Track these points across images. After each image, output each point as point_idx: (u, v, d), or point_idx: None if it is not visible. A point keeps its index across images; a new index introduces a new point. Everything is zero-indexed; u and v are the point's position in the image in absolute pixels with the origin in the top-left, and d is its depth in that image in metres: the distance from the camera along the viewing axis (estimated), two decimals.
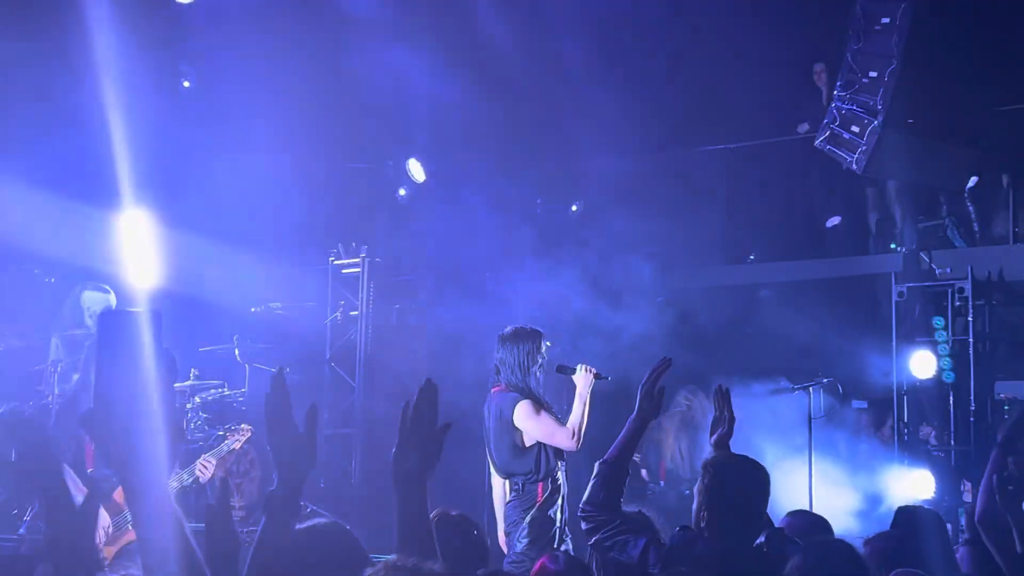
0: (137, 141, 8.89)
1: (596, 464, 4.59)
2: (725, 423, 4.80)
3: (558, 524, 6.84)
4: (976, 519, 4.69)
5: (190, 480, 7.62)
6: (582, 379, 6.86)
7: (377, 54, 10.82)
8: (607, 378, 6.97)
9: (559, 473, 6.90)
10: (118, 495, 6.73)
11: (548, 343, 7.00)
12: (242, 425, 8.52)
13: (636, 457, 10.30)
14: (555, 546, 6.74)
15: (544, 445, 6.83)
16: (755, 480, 4.34)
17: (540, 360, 6.98)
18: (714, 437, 4.81)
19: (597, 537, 4.42)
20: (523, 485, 6.86)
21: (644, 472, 9.67)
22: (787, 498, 4.56)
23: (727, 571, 4.05)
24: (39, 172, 9.11)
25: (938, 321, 10.51)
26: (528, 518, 6.79)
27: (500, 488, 7.10)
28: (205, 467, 7.71)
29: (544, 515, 6.81)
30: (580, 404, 6.79)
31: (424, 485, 2.74)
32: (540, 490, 6.84)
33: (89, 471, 6.67)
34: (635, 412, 4.58)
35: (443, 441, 2.80)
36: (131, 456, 2.07)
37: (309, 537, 3.47)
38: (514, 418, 6.80)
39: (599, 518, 4.42)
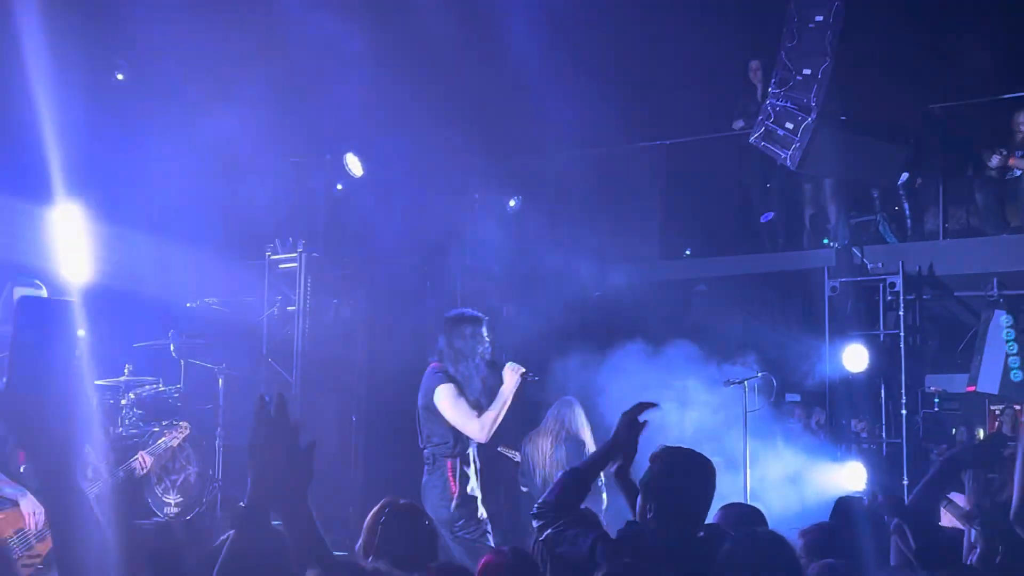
0: (69, 134, 8.77)
1: (562, 472, 4.67)
2: (627, 456, 4.82)
3: (479, 498, 7.10)
4: (907, 505, 4.79)
5: (123, 475, 7.54)
6: (508, 376, 7.04)
7: (315, 45, 10.76)
8: (535, 379, 7.13)
9: (470, 451, 7.13)
10: None
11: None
12: (180, 423, 8.43)
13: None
14: (479, 517, 7.01)
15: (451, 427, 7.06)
16: (701, 473, 4.38)
17: (479, 347, 7.12)
18: (614, 468, 4.85)
19: (548, 533, 4.46)
20: (434, 458, 7.09)
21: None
22: (723, 492, 4.62)
23: (671, 562, 4.09)
24: None
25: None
26: (453, 506, 6.98)
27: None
28: (143, 462, 7.66)
29: (465, 495, 7.01)
30: (500, 400, 7.00)
31: (301, 503, 2.65)
32: (449, 467, 7.03)
33: (22, 469, 6.57)
34: (611, 437, 4.67)
35: (311, 458, 2.70)
36: (42, 443, 2.07)
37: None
38: (434, 398, 7.04)
39: (548, 515, 4.46)
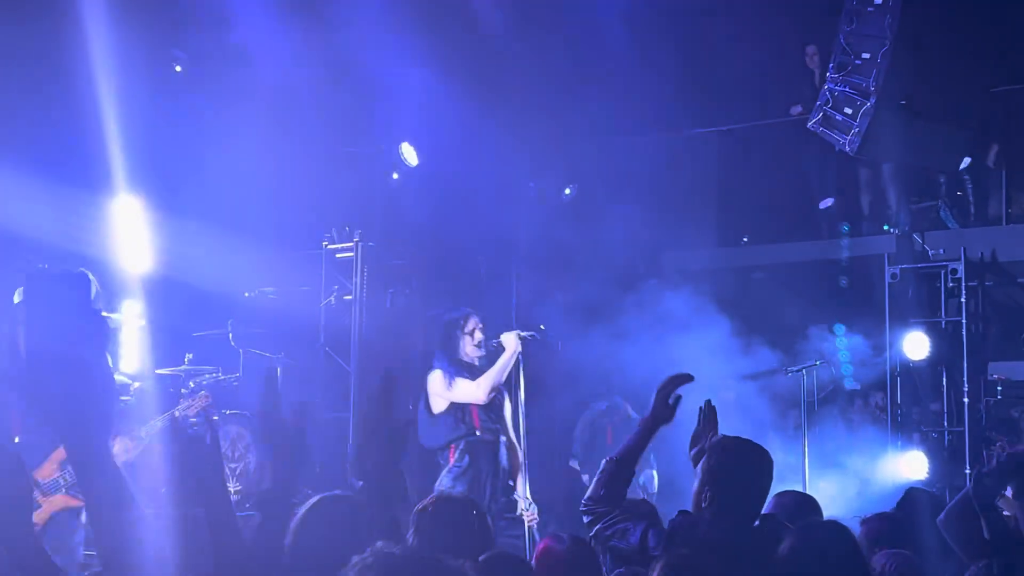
0: (130, 127, 8.87)
1: (603, 461, 4.62)
2: (705, 440, 4.78)
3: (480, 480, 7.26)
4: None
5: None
6: (508, 340, 7.34)
7: (370, 37, 10.79)
8: (534, 336, 7.46)
9: (474, 443, 7.29)
10: (50, 461, 6.87)
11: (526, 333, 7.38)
12: (200, 392, 8.28)
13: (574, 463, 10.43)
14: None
15: (464, 409, 7.30)
16: (760, 462, 4.35)
17: (455, 340, 7.41)
18: (692, 452, 4.80)
19: (597, 528, 4.44)
20: (439, 455, 7.42)
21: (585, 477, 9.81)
22: (781, 478, 4.60)
23: (728, 553, 4.05)
24: (32, 159, 9.07)
25: None
26: (437, 483, 7.26)
27: None
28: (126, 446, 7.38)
29: (452, 483, 7.19)
30: (499, 362, 7.32)
31: (394, 475, 2.71)
32: (452, 453, 7.31)
33: (16, 440, 6.74)
34: (648, 414, 4.62)
35: (406, 434, 2.77)
36: (69, 415, 2.07)
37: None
38: (427, 387, 7.37)
39: (598, 510, 4.44)
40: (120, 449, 7.31)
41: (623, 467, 4.55)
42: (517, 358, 7.37)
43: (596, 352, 9.41)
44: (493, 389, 7.29)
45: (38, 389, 2.08)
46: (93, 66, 8.73)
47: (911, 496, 5.35)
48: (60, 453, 6.87)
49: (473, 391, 7.27)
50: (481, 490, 7.16)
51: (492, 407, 7.34)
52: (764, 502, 4.41)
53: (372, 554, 2.18)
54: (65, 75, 9.05)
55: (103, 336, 2.13)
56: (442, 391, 7.31)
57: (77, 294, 2.12)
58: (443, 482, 7.23)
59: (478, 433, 7.29)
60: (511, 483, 7.48)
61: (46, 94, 9.25)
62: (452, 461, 7.27)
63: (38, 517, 6.82)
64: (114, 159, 8.86)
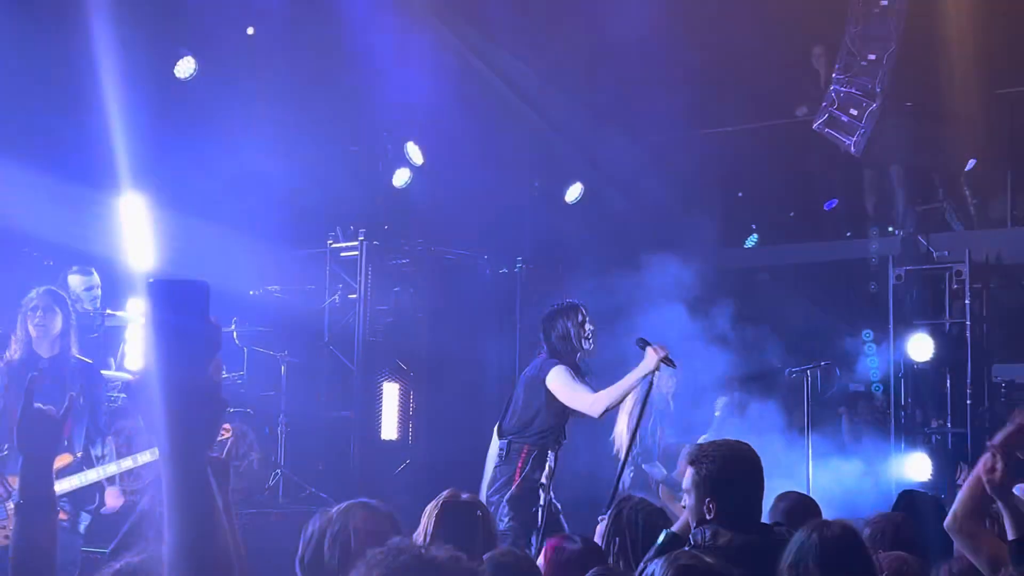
0: (135, 124, 8.88)
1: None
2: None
3: (541, 503, 6.89)
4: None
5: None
6: (650, 355, 6.61)
7: (375, 36, 10.81)
8: (674, 365, 6.69)
9: (548, 450, 6.97)
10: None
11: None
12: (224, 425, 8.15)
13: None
14: (537, 525, 6.82)
15: (547, 414, 6.91)
16: (753, 464, 4.35)
17: (583, 332, 7.04)
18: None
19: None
20: (509, 446, 6.97)
21: None
22: (784, 479, 4.59)
23: (741, 559, 4.00)
24: (38, 155, 9.10)
25: None
26: (509, 495, 6.86)
27: (495, 448, 7.16)
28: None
29: (524, 491, 6.87)
30: (629, 378, 6.68)
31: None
32: (524, 453, 6.91)
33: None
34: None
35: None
36: (166, 427, 2.07)
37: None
38: (547, 378, 6.89)
39: None
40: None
41: None
42: (650, 380, 6.63)
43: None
44: (612, 407, 6.81)
45: (153, 397, 2.07)
46: (99, 64, 8.74)
47: (906, 498, 5.36)
48: (58, 463, 6.37)
49: (589, 404, 6.78)
50: (534, 497, 6.91)
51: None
52: (761, 501, 4.40)
53: (388, 550, 2.16)
54: (71, 73, 9.07)
55: (216, 346, 2.13)
56: (563, 388, 6.83)
57: (198, 302, 2.10)
58: (499, 472, 6.92)
59: (558, 446, 6.99)
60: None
61: (52, 92, 9.27)
62: (521, 462, 6.91)
63: None
64: (119, 157, 8.88)
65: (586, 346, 7.05)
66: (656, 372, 6.57)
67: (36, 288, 7.09)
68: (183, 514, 2.05)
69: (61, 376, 6.85)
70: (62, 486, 6.52)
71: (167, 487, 2.08)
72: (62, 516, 6.54)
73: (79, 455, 6.86)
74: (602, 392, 6.75)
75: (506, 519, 6.80)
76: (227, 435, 7.34)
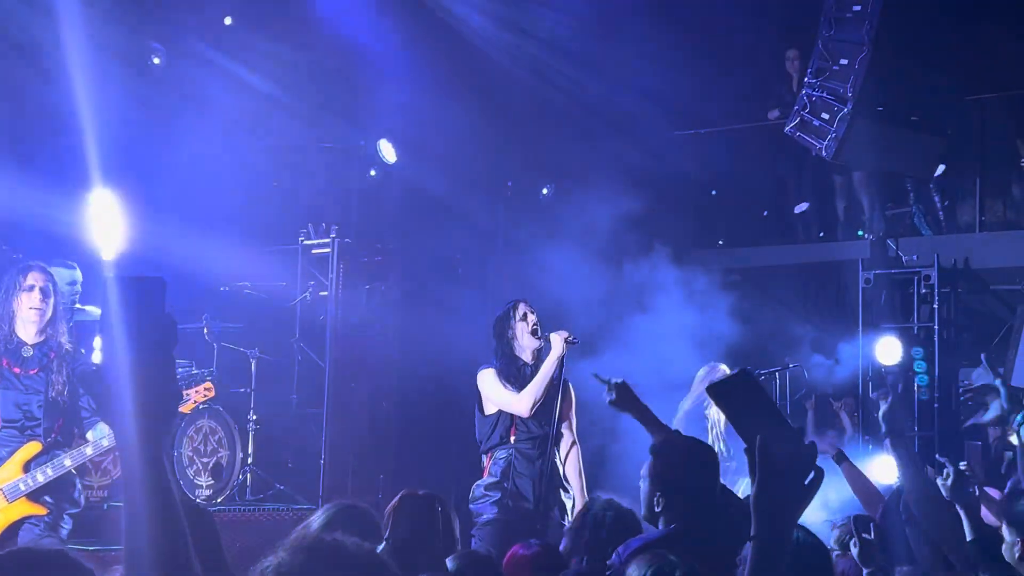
0: (106, 119, 8.83)
1: None
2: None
3: (518, 490, 6.95)
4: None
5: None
6: (555, 342, 6.92)
7: (349, 32, 10.79)
8: (576, 341, 6.99)
9: (510, 452, 7.00)
10: (12, 462, 6.33)
11: (571, 338, 6.99)
12: (204, 383, 7.50)
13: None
14: (503, 503, 6.90)
15: (501, 417, 7.01)
16: (708, 460, 4.38)
17: (526, 327, 7.10)
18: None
19: None
20: (480, 457, 7.15)
21: None
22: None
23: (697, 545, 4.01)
24: (7, 149, 9.04)
25: None
26: (471, 494, 7.02)
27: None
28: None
29: (483, 492, 6.97)
30: (542, 369, 6.93)
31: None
32: (487, 461, 7.04)
33: None
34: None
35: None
36: (123, 421, 2.10)
37: None
38: (477, 383, 7.07)
39: None
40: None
41: None
42: (561, 362, 6.92)
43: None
44: (537, 401, 6.90)
45: (111, 389, 2.11)
46: (69, 58, 8.68)
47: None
48: (26, 453, 6.40)
49: (515, 404, 6.94)
50: (521, 499, 6.91)
51: (539, 410, 6.98)
52: (716, 498, 4.41)
53: (306, 538, 2.19)
54: (42, 66, 9.01)
55: (173, 340, 2.16)
56: (490, 393, 7.02)
57: (155, 298, 2.15)
58: (475, 492, 7.00)
59: (512, 440, 7.00)
60: (566, 485, 7.12)
61: (21, 85, 9.21)
62: (486, 470, 7.02)
63: None
64: (90, 151, 8.82)
65: (529, 342, 7.10)
66: (564, 354, 6.86)
67: (29, 266, 6.59)
68: (141, 507, 2.08)
69: (48, 364, 6.52)
70: (37, 478, 6.30)
71: (126, 478, 2.11)
72: (43, 512, 6.37)
73: (81, 444, 6.52)
74: (524, 391, 6.93)
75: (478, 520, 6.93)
76: (207, 395, 7.31)
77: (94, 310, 9.05)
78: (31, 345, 6.53)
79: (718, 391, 2.35)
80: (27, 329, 6.50)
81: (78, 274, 8.86)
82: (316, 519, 3.94)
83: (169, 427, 2.21)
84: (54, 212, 8.96)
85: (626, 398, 5.25)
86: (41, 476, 6.32)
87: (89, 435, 6.54)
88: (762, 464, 2.25)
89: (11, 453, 6.37)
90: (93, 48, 8.71)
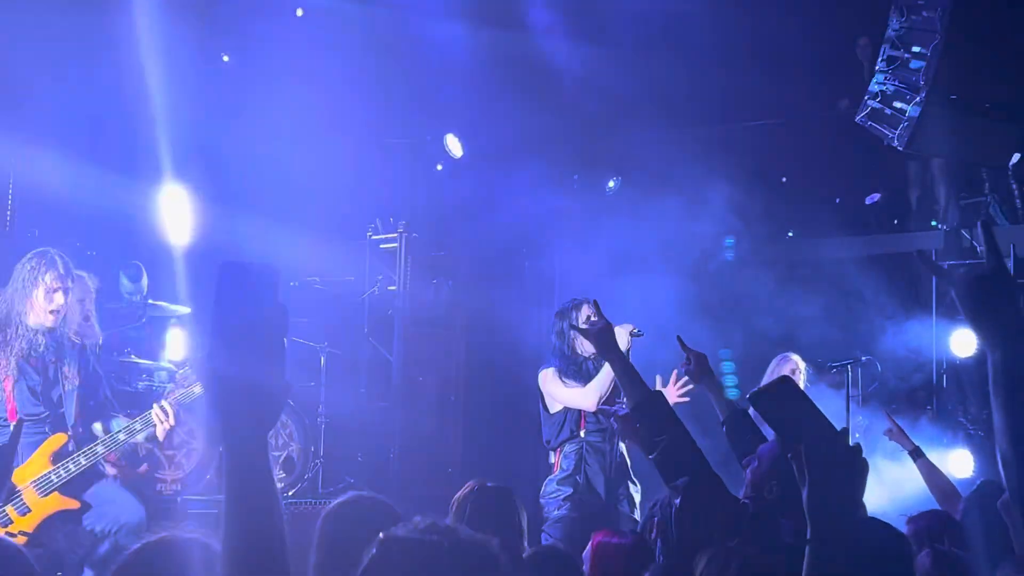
0: (177, 116, 8.94)
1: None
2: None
3: (589, 483, 6.98)
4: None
5: (143, 432, 6.43)
6: (620, 336, 6.76)
7: (416, 28, 10.80)
8: (640, 334, 6.94)
9: (580, 445, 7.02)
10: (40, 454, 6.26)
11: (636, 330, 6.94)
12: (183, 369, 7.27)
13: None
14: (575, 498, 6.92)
15: (569, 413, 7.06)
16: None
17: (572, 334, 7.09)
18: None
19: None
20: (548, 454, 7.19)
21: None
22: None
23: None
24: (81, 146, 9.17)
25: None
26: (542, 490, 7.05)
27: None
28: (161, 416, 6.33)
29: (555, 487, 6.99)
30: (608, 366, 6.72)
31: None
32: (556, 457, 7.08)
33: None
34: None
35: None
36: (239, 415, 2.04)
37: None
38: (539, 384, 7.13)
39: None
40: (156, 416, 6.36)
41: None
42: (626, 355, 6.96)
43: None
44: (603, 396, 6.89)
45: (217, 388, 2.04)
46: (142, 55, 8.79)
47: (984, 488, 5.24)
48: (52, 444, 6.32)
49: (580, 399, 6.97)
50: (592, 493, 6.95)
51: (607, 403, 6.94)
52: None
53: (416, 529, 2.10)
54: (115, 64, 9.12)
55: (285, 329, 2.10)
56: (554, 392, 7.07)
57: (268, 285, 2.12)
58: (547, 488, 7.02)
59: (582, 434, 7.04)
60: (634, 478, 7.14)
61: (96, 82, 9.33)
62: (556, 466, 7.05)
63: (27, 524, 6.12)
64: (162, 148, 8.93)
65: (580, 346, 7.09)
66: (629, 347, 6.77)
67: (50, 259, 6.43)
68: (241, 505, 2.03)
69: (62, 357, 6.49)
70: (69, 467, 6.21)
71: (227, 476, 2.05)
72: (76, 505, 6.31)
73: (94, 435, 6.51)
74: (588, 385, 6.94)
75: (549, 516, 6.98)
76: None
77: (167, 305, 9.16)
78: (45, 337, 6.45)
79: (759, 399, 2.32)
80: (43, 321, 6.41)
81: (144, 283, 8.99)
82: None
83: (276, 420, 2.12)
84: (127, 208, 9.09)
85: (703, 368, 5.31)
86: (73, 466, 6.24)
87: (98, 426, 6.56)
88: (810, 469, 2.23)
89: (35, 445, 6.28)
90: (166, 45, 8.81)
